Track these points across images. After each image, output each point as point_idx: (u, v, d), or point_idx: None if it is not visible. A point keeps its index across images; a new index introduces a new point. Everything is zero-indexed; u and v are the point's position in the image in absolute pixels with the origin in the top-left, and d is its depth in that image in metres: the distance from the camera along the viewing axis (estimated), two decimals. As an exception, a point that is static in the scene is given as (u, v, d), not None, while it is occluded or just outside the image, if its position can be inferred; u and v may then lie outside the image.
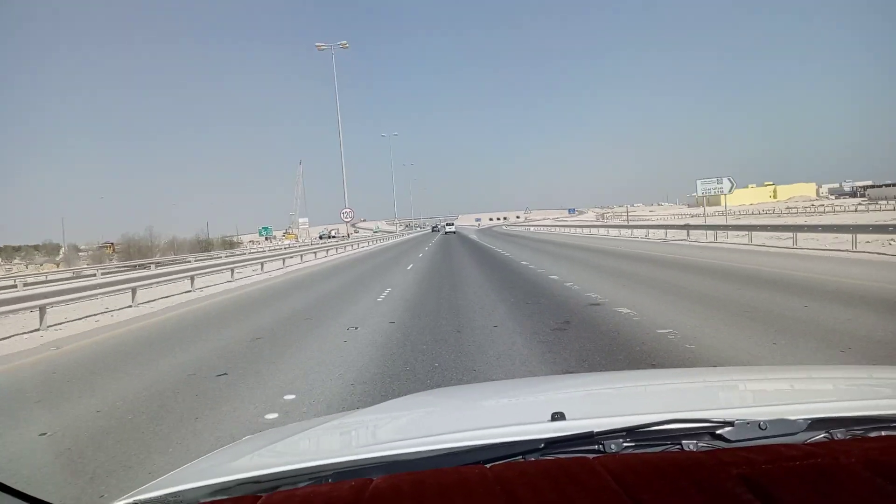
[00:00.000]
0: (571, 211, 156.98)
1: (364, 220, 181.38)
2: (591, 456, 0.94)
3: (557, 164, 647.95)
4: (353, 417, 1.74)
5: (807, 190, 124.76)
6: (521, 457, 0.99)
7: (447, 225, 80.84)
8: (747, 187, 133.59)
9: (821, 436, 1.02)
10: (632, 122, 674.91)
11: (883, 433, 1.04)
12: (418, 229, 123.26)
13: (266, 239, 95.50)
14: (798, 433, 1.01)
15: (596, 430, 1.02)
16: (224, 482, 1.01)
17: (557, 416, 1.15)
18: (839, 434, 1.03)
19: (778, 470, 0.81)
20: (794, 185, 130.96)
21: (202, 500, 0.93)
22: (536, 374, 4.97)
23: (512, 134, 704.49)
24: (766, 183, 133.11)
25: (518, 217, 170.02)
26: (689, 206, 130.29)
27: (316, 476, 0.99)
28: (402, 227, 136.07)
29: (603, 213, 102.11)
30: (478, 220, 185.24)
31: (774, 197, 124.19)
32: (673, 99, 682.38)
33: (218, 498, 0.93)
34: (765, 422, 1.01)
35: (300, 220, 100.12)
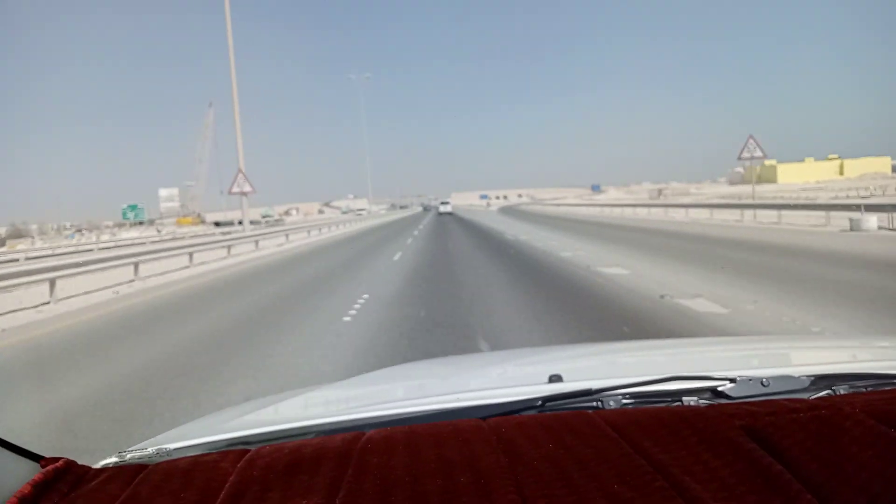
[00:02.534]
0: (595, 188, 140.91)
1: (352, 198, 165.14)
2: (589, 411, 0.94)
3: (563, 140, 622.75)
4: (344, 384, 1.72)
5: (879, 165, 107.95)
6: (518, 414, 1.00)
7: (441, 204, 65.97)
8: (803, 161, 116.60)
9: (824, 392, 1.03)
10: (645, 98, 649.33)
11: (887, 388, 1.05)
12: (401, 209, 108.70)
13: (138, 224, 72.42)
14: (801, 390, 1.02)
15: (594, 387, 1.04)
16: (213, 441, 1.03)
17: (555, 379, 1.18)
18: (842, 390, 1.04)
19: (781, 420, 0.82)
20: (862, 158, 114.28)
21: (190, 455, 0.93)
22: None
23: (509, 108, 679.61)
24: (829, 156, 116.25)
25: (520, 196, 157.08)
26: (732, 183, 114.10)
27: (307, 435, 1.00)
28: (386, 207, 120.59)
29: (660, 190, 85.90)
30: (484, 196, 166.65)
31: (841, 173, 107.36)
32: (704, 66, 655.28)
33: (205, 451, 0.94)
34: (767, 378, 1.02)
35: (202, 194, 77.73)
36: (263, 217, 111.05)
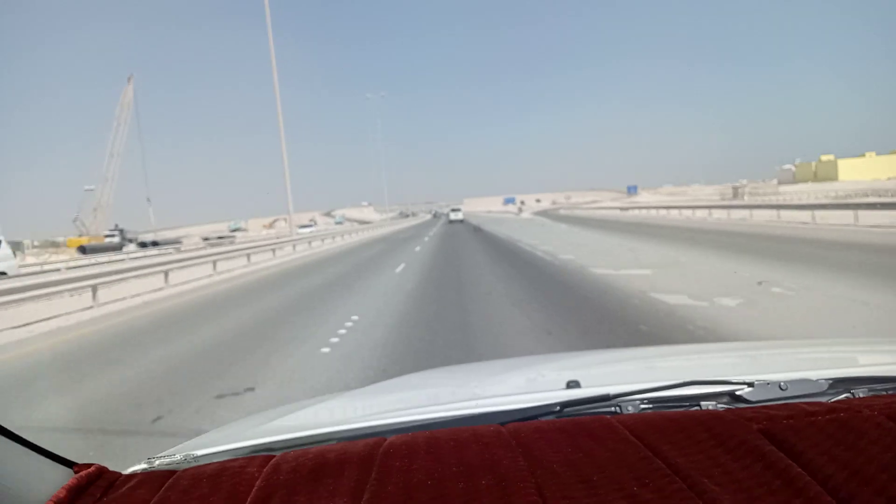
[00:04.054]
0: (632, 189, 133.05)
1: (367, 205, 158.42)
2: (608, 416, 0.95)
3: (589, 142, 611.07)
4: (368, 390, 1.79)
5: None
6: (537, 419, 1.01)
7: (452, 211, 62.83)
8: (864, 156, 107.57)
9: (843, 395, 1.04)
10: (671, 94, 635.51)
11: None
12: (410, 216, 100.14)
13: None
14: (820, 393, 1.03)
15: (612, 393, 1.05)
16: (239, 447, 1.05)
17: (573, 384, 1.20)
18: (861, 393, 1.05)
19: (799, 423, 0.83)
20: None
21: (217, 461, 0.95)
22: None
23: (528, 113, 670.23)
24: (894, 150, 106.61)
25: (538, 201, 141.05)
26: (781, 182, 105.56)
27: (329, 442, 1.02)
28: (393, 215, 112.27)
29: (736, 189, 78.02)
30: (510, 200, 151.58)
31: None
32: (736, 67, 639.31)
33: (231, 458, 0.96)
34: (785, 382, 1.03)
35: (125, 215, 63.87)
36: (231, 231, 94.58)
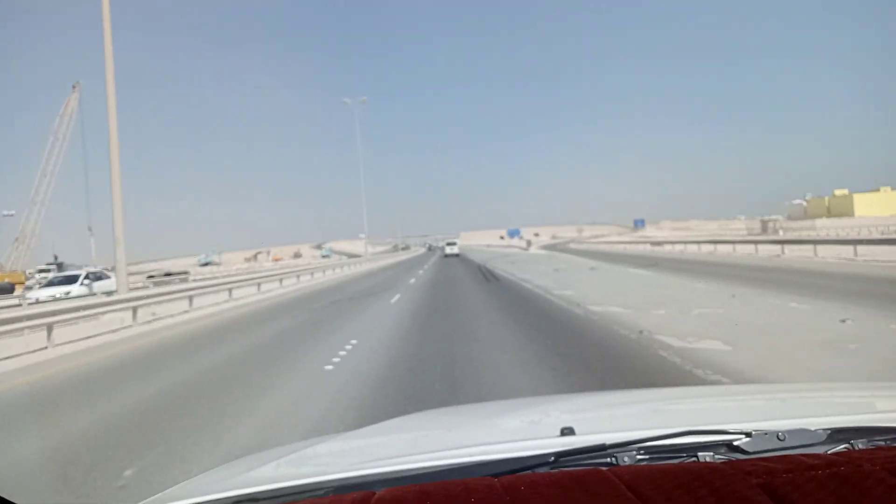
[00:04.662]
0: (639, 223, 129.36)
1: (363, 237, 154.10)
2: (603, 468, 0.93)
3: (589, 177, 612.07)
4: (355, 435, 1.74)
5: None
6: (530, 471, 0.99)
7: (448, 245, 60.60)
8: (878, 190, 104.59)
9: (842, 446, 1.03)
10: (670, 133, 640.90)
11: None
12: (402, 250, 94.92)
13: None
14: (818, 444, 1.02)
15: (608, 442, 1.03)
16: (218, 499, 1.02)
17: (567, 432, 1.18)
18: (861, 444, 1.03)
19: (799, 478, 0.82)
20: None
21: None
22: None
23: (524, 145, 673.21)
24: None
25: (536, 235, 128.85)
26: (792, 218, 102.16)
27: (316, 493, 0.99)
28: (385, 249, 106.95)
29: (765, 223, 73.95)
30: (514, 233, 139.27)
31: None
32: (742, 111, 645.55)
33: None
34: (783, 432, 1.02)
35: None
36: (202, 264, 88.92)
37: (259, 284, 21.57)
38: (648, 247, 45.40)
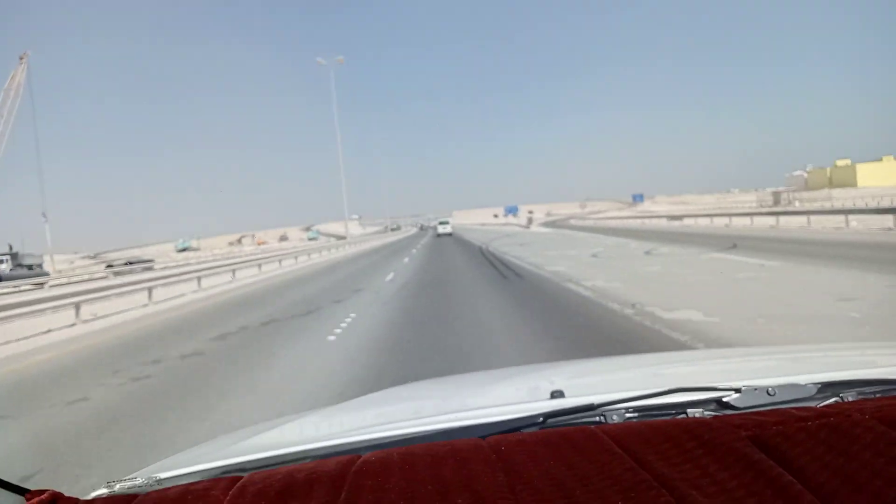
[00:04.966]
0: (637, 198, 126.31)
1: (357, 218, 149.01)
2: (592, 426, 0.93)
3: (580, 153, 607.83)
4: (342, 407, 1.71)
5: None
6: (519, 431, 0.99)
7: (440, 224, 58.75)
8: (880, 160, 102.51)
9: (832, 399, 1.03)
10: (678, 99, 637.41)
11: None
12: (390, 232, 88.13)
13: None
14: (808, 398, 1.02)
15: (597, 402, 1.04)
16: (206, 469, 1.03)
17: (557, 395, 1.17)
18: (850, 397, 1.04)
19: (789, 430, 0.82)
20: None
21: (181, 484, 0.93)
22: None
23: (516, 124, 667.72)
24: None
25: (531, 212, 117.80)
26: (790, 190, 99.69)
27: (303, 460, 0.99)
28: (377, 229, 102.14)
29: (778, 195, 71.18)
30: (510, 210, 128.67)
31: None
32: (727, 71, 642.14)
33: (197, 480, 0.93)
34: (773, 387, 1.02)
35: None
36: (179, 250, 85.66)
37: (234, 271, 19.03)
38: (665, 222, 42.31)
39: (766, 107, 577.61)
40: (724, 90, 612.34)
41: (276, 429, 1.41)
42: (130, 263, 36.25)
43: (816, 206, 42.22)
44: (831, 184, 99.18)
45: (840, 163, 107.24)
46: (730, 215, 34.17)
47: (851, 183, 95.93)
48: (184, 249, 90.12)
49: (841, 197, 58.43)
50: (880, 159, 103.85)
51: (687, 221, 38.24)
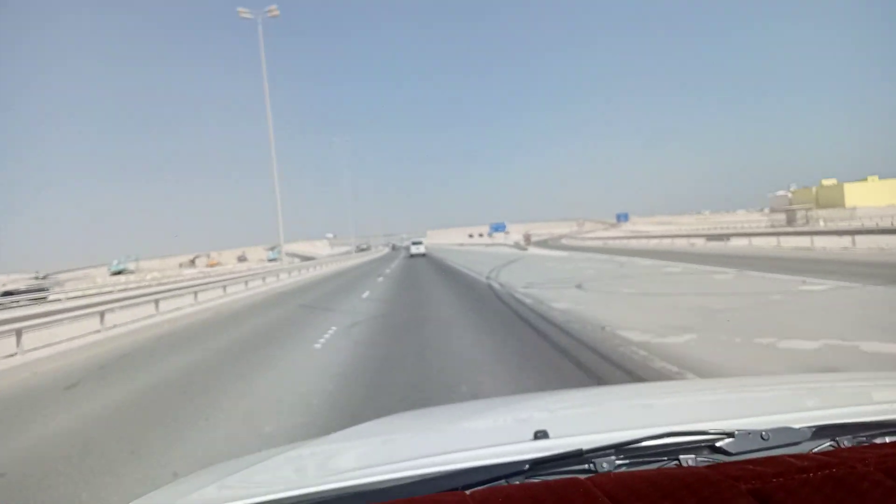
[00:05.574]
0: (621, 218, 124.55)
1: (332, 237, 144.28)
2: (582, 476, 0.90)
3: (560, 172, 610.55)
4: (314, 446, 1.59)
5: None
6: (503, 480, 0.95)
7: (413, 244, 58.95)
8: (865, 180, 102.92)
9: (826, 444, 1.02)
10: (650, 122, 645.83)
11: (888, 439, 1.03)
12: (359, 250, 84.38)
13: None
14: (802, 442, 1.00)
15: (584, 447, 0.99)
16: None
17: (540, 435, 1.14)
18: (845, 441, 1.02)
19: (791, 482, 0.79)
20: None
21: None
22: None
23: (489, 141, 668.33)
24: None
25: (507, 233, 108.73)
26: (774, 210, 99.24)
27: None
28: (348, 249, 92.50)
29: (790, 213, 69.68)
30: (498, 227, 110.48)
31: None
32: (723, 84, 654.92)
33: None
34: (767, 431, 1.00)
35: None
36: (113, 273, 78.05)
37: (157, 302, 15.41)
38: (685, 242, 39.03)
39: (742, 129, 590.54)
40: (701, 114, 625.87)
41: (248, 469, 1.30)
42: (8, 294, 30.00)
43: (844, 225, 39.98)
44: (818, 204, 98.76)
45: (826, 182, 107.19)
46: (749, 235, 31.39)
47: (839, 203, 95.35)
48: (119, 272, 79.55)
49: (861, 216, 56.80)
50: (865, 179, 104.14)
51: (736, 242, 31.70)
